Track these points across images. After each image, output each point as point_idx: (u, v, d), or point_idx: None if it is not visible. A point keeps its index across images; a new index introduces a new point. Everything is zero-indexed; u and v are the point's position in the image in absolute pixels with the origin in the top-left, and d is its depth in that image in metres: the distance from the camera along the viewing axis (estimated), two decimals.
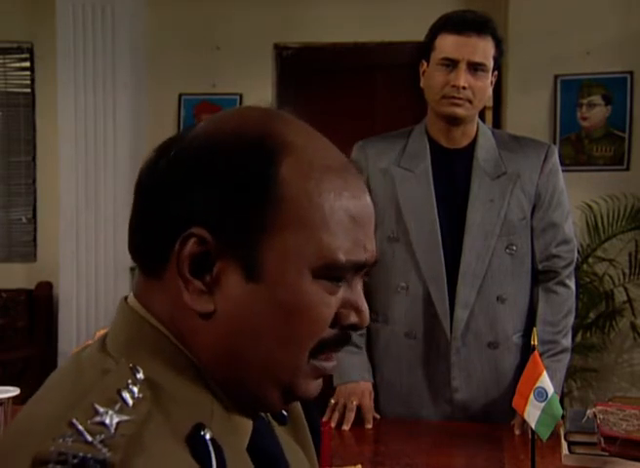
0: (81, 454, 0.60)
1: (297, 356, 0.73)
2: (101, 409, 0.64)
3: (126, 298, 0.78)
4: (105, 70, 4.31)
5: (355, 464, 1.59)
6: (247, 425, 0.77)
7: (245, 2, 4.48)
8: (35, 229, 4.75)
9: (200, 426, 0.68)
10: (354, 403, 1.93)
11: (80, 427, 0.62)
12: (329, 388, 1.99)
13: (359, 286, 0.77)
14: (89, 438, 0.61)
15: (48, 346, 4.43)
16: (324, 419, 1.89)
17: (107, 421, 0.63)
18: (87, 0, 4.29)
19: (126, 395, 0.66)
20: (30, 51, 4.70)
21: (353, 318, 0.76)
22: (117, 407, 0.64)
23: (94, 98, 4.31)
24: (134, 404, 0.65)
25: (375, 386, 2.00)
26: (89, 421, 0.62)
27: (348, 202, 0.73)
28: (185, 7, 4.52)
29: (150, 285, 0.75)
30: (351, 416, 1.91)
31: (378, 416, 1.97)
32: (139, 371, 0.69)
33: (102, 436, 0.61)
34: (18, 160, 4.76)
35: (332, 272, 0.73)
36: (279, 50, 4.56)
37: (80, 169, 4.31)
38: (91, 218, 4.31)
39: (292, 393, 0.76)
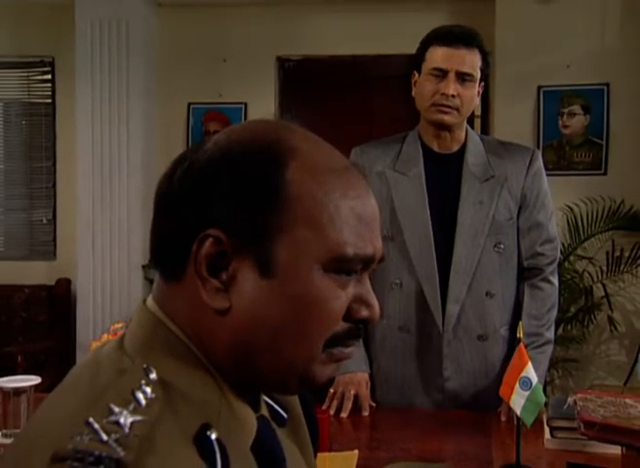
0: (97, 453, 0.59)
1: (311, 348, 0.72)
2: (117, 409, 0.62)
3: (145, 301, 0.76)
4: (120, 82, 4.31)
5: (352, 449, 1.58)
6: (252, 425, 0.75)
7: (249, 17, 4.47)
8: (55, 230, 4.74)
9: (206, 426, 0.67)
10: (352, 392, 1.91)
11: (96, 426, 0.61)
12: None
13: (368, 281, 0.76)
14: (104, 437, 0.60)
15: (67, 338, 4.43)
16: (323, 407, 1.88)
17: (122, 421, 0.62)
18: (104, 17, 4.29)
19: (139, 395, 0.65)
20: (51, 64, 4.70)
21: (364, 312, 0.74)
22: (131, 407, 0.63)
23: (109, 108, 4.31)
24: (147, 404, 0.64)
25: (371, 376, 1.99)
26: (104, 420, 0.61)
27: (353, 201, 0.73)
28: (194, 23, 4.52)
29: (169, 288, 0.74)
30: (349, 405, 1.90)
31: (374, 405, 1.96)
32: (152, 372, 0.68)
33: (117, 435, 0.60)
34: (39, 165, 4.75)
35: (341, 266, 0.72)
36: (282, 62, 4.55)
37: (96, 173, 4.31)
38: (106, 219, 4.31)
39: (309, 380, 0.74)
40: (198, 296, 0.71)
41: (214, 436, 0.66)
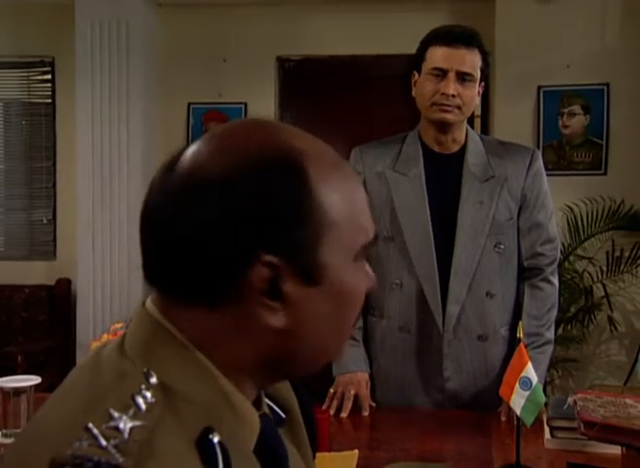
0: (95, 458, 0.58)
1: (348, 332, 0.78)
2: (116, 415, 0.62)
3: (144, 303, 0.75)
4: (120, 82, 4.31)
5: (352, 449, 1.58)
6: (255, 424, 0.75)
7: (250, 18, 4.47)
8: (55, 230, 4.74)
9: (209, 429, 0.66)
10: (352, 392, 1.91)
11: (95, 431, 0.60)
12: (328, 378, 1.98)
13: None
14: (103, 442, 0.60)
15: (67, 338, 4.42)
16: (323, 407, 1.88)
17: (121, 426, 0.61)
18: (103, 17, 4.29)
19: (139, 400, 0.64)
20: (51, 64, 4.70)
21: (369, 284, 0.78)
22: (131, 412, 0.63)
23: (109, 108, 4.31)
24: (147, 408, 0.64)
25: (371, 376, 1.99)
26: (104, 426, 0.61)
27: (356, 189, 0.77)
28: (194, 23, 4.52)
29: (188, 310, 0.71)
30: (349, 405, 1.90)
31: (374, 405, 1.95)
32: (152, 376, 0.67)
33: (117, 441, 0.60)
34: (39, 165, 4.75)
35: (364, 251, 0.75)
36: (281, 62, 4.55)
37: (96, 173, 4.31)
38: (106, 220, 4.31)
39: (337, 357, 0.80)
40: (240, 320, 0.70)
41: (216, 439, 0.66)
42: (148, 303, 0.75)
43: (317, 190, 0.71)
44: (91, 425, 0.61)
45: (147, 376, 0.67)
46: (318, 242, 0.71)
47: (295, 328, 0.71)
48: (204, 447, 0.65)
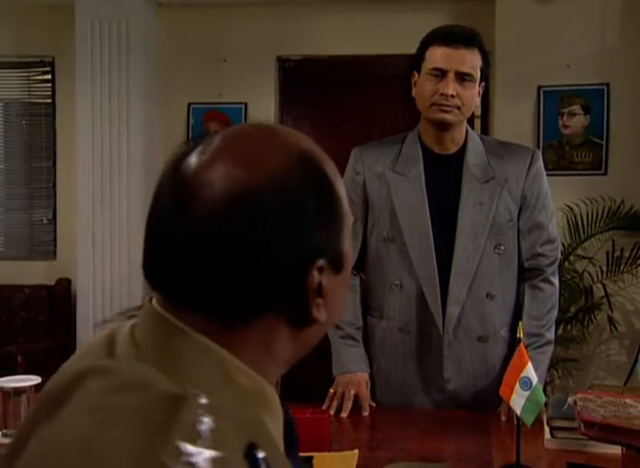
0: None
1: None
2: (189, 449, 0.60)
3: (150, 300, 0.74)
4: (120, 82, 4.31)
5: (352, 449, 1.58)
6: (280, 412, 0.76)
7: (250, 18, 4.47)
8: (55, 230, 4.74)
9: (253, 446, 0.65)
10: (352, 392, 1.91)
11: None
12: (328, 378, 1.98)
13: None
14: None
15: (67, 338, 4.42)
16: (323, 407, 1.88)
17: (196, 460, 0.60)
18: (104, 17, 4.29)
19: (202, 428, 0.63)
20: (52, 64, 4.70)
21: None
22: (199, 443, 0.62)
23: (109, 108, 4.31)
24: (211, 436, 0.63)
25: (371, 376, 1.99)
26: (180, 459, 0.60)
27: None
28: (194, 23, 4.52)
29: (220, 330, 0.71)
30: (349, 405, 1.90)
31: (374, 405, 1.95)
32: (201, 397, 0.65)
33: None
34: (39, 165, 4.75)
35: None
36: (282, 62, 4.55)
37: (96, 173, 4.31)
38: (106, 219, 4.31)
39: None
40: (276, 334, 0.73)
41: (261, 455, 0.64)
42: (157, 306, 0.73)
43: (335, 185, 0.76)
44: (166, 460, 0.59)
45: (197, 398, 0.65)
46: (342, 233, 0.76)
47: (329, 317, 0.76)
48: (252, 463, 0.64)
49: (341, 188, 0.77)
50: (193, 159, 0.72)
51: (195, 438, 0.62)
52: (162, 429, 0.62)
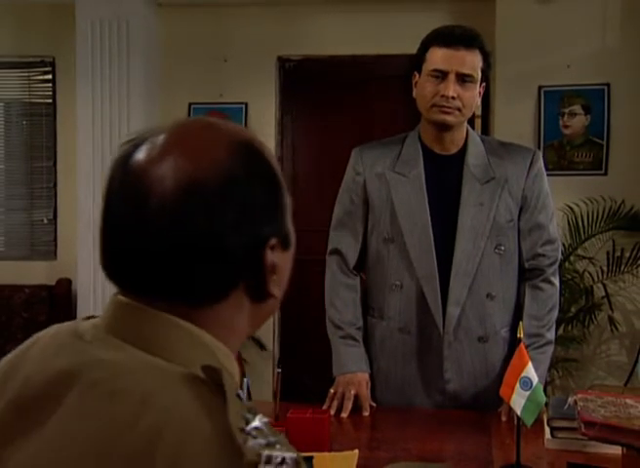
0: (276, 454, 0.62)
1: None
2: (249, 416, 0.65)
3: (117, 295, 0.77)
4: (120, 82, 4.31)
5: (352, 449, 1.59)
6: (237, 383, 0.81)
7: (250, 17, 4.47)
8: (55, 230, 4.74)
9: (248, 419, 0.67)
10: (352, 392, 1.91)
11: (257, 430, 0.63)
12: (328, 379, 1.98)
13: None
14: (271, 439, 0.63)
15: None
16: (324, 407, 1.88)
17: (259, 425, 0.64)
18: (104, 17, 4.29)
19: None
20: (52, 64, 4.70)
21: None
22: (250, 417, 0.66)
23: (110, 108, 4.31)
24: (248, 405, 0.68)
25: (371, 377, 1.99)
26: (249, 427, 0.64)
27: None
28: (195, 23, 4.52)
29: (189, 311, 0.74)
30: (349, 405, 1.90)
31: (374, 405, 1.95)
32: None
33: (273, 438, 0.63)
34: (39, 165, 4.75)
35: None
36: (282, 62, 4.55)
37: (97, 174, 4.31)
38: None
39: None
40: (247, 302, 0.77)
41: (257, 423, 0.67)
42: (124, 298, 0.75)
43: (275, 167, 0.79)
44: (244, 426, 0.63)
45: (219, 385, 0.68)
46: (286, 210, 0.79)
47: (281, 291, 0.80)
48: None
49: (278, 167, 0.80)
50: (142, 155, 0.74)
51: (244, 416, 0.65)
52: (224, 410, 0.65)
